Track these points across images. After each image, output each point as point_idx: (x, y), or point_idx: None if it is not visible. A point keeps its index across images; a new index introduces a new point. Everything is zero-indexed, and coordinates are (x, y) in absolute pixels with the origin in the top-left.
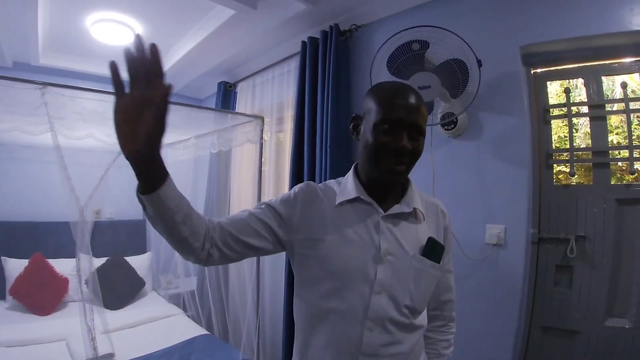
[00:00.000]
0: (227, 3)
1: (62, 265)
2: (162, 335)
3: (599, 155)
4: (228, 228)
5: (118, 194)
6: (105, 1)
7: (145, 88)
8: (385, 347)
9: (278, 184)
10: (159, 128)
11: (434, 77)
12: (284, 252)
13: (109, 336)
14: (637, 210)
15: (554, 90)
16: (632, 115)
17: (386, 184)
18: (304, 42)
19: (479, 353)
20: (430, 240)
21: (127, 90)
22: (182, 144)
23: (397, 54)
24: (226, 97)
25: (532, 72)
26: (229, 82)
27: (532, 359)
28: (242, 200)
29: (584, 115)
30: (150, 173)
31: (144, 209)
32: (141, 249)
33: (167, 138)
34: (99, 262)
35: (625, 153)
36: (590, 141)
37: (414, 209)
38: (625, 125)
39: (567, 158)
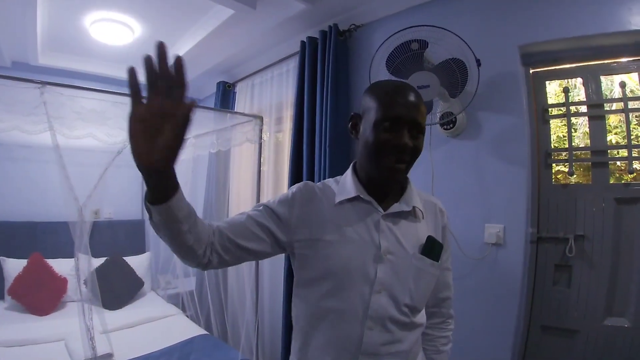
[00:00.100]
0: (227, 3)
1: (60, 265)
2: (161, 335)
3: (598, 154)
4: (226, 233)
5: (117, 193)
6: (104, 1)
7: (165, 100)
8: (385, 346)
9: (277, 184)
10: (178, 143)
11: (433, 76)
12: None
13: (108, 336)
14: (636, 209)
15: (553, 90)
16: (630, 114)
17: (386, 183)
18: (303, 42)
19: (478, 352)
20: (430, 238)
21: (144, 99)
22: None
23: (396, 54)
24: (225, 97)
25: (531, 71)
26: (228, 82)
27: (531, 358)
28: (241, 200)
29: (582, 114)
30: (162, 185)
31: (150, 217)
32: (140, 249)
33: None
34: (98, 262)
35: (624, 152)
36: (589, 141)
37: (414, 207)
38: (624, 125)
39: (566, 157)
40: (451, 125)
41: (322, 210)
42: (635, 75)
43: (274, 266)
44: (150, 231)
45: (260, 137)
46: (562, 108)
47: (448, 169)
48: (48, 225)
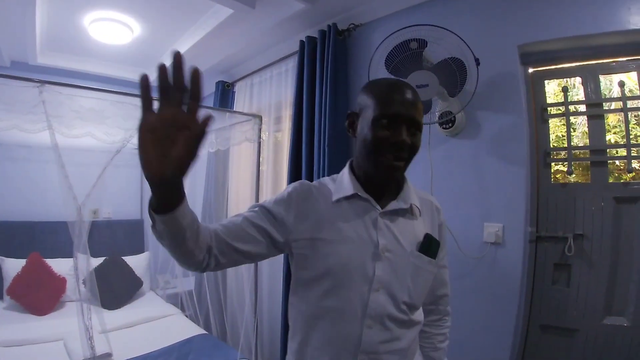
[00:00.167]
0: (226, 2)
1: (59, 265)
2: (160, 335)
3: (597, 153)
4: (223, 236)
5: (116, 193)
6: (103, 0)
7: (179, 110)
8: (384, 344)
9: (276, 183)
10: (191, 156)
11: (432, 75)
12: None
13: (107, 336)
14: (635, 208)
15: (552, 89)
16: (629, 113)
17: (384, 180)
18: (302, 42)
19: (477, 352)
20: (427, 236)
21: (155, 108)
22: None
23: (395, 53)
24: (224, 96)
25: (529, 71)
26: (227, 82)
27: (530, 357)
28: (240, 199)
29: (581, 114)
30: (169, 195)
31: (153, 224)
32: (139, 249)
33: None
34: (97, 261)
35: (622, 152)
36: (588, 140)
37: (411, 205)
38: (622, 124)
39: (565, 157)
40: (450, 125)
41: (319, 208)
42: (634, 74)
43: (273, 266)
44: (149, 231)
45: (259, 137)
46: (561, 107)
47: (447, 168)
48: (47, 224)
